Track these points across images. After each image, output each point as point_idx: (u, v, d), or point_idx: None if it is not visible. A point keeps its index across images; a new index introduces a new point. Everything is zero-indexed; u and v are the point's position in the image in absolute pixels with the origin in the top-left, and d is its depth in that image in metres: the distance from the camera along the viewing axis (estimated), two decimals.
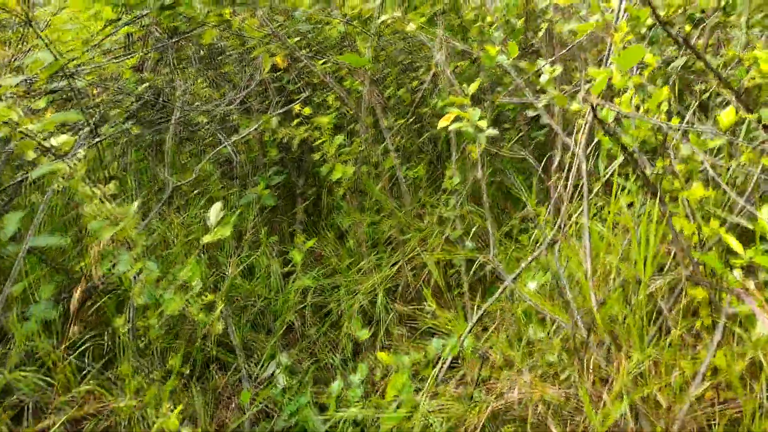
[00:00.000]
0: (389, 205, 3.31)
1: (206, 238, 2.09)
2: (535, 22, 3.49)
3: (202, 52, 3.73)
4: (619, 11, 1.95)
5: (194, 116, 3.33)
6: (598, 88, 1.71)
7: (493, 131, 2.09)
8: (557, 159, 2.81)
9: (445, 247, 3.09)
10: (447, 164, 3.20)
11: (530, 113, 2.97)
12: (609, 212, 2.55)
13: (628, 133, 1.87)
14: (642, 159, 2.10)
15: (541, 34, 2.80)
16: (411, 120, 3.50)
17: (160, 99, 3.31)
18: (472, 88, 2.11)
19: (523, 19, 3.19)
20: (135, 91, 3.06)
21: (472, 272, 3.00)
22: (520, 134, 3.59)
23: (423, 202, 3.42)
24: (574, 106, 1.85)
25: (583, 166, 2.04)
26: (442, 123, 2.04)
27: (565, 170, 2.50)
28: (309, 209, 3.82)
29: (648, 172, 2.09)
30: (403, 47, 3.75)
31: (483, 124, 1.97)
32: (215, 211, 2.06)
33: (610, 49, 2.01)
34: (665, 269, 2.27)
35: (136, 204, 1.90)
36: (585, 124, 2.22)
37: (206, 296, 2.08)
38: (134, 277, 2.06)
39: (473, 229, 3.08)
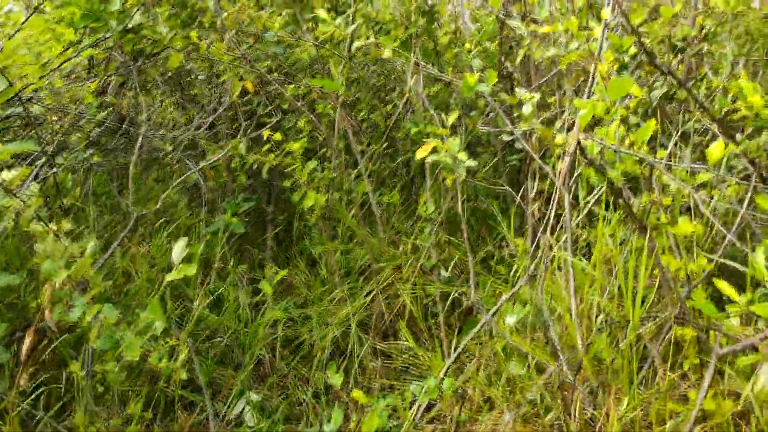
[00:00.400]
0: (362, 233, 3.21)
1: (169, 277, 1.96)
2: (508, 45, 3.44)
3: (169, 74, 3.60)
4: (602, 40, 1.89)
5: (159, 143, 3.19)
6: (584, 120, 1.64)
7: (472, 162, 2.00)
8: (535, 186, 2.74)
9: (419, 279, 3.00)
10: (421, 190, 3.11)
11: (506, 138, 2.90)
12: (590, 244, 2.48)
13: (612, 166, 1.80)
14: (627, 192, 2.03)
15: (519, 60, 2.73)
16: (384, 145, 3.41)
17: (124, 124, 3.17)
18: (451, 118, 2.03)
19: (496, 42, 3.12)
20: (97, 116, 2.92)
21: (449, 302, 2.91)
22: (495, 158, 3.51)
23: (397, 229, 3.32)
24: (559, 138, 1.78)
25: (566, 198, 1.96)
26: (420, 154, 1.95)
27: (544, 199, 2.42)
28: (280, 236, 3.70)
29: (632, 203, 2.03)
30: (375, 70, 3.67)
31: (463, 156, 1.89)
32: (179, 248, 1.94)
33: (593, 79, 1.95)
34: (648, 303, 2.20)
35: (92, 243, 1.76)
36: (565, 154, 2.14)
37: (169, 340, 1.94)
38: (92, 319, 1.92)
39: (452, 262, 2.98)
